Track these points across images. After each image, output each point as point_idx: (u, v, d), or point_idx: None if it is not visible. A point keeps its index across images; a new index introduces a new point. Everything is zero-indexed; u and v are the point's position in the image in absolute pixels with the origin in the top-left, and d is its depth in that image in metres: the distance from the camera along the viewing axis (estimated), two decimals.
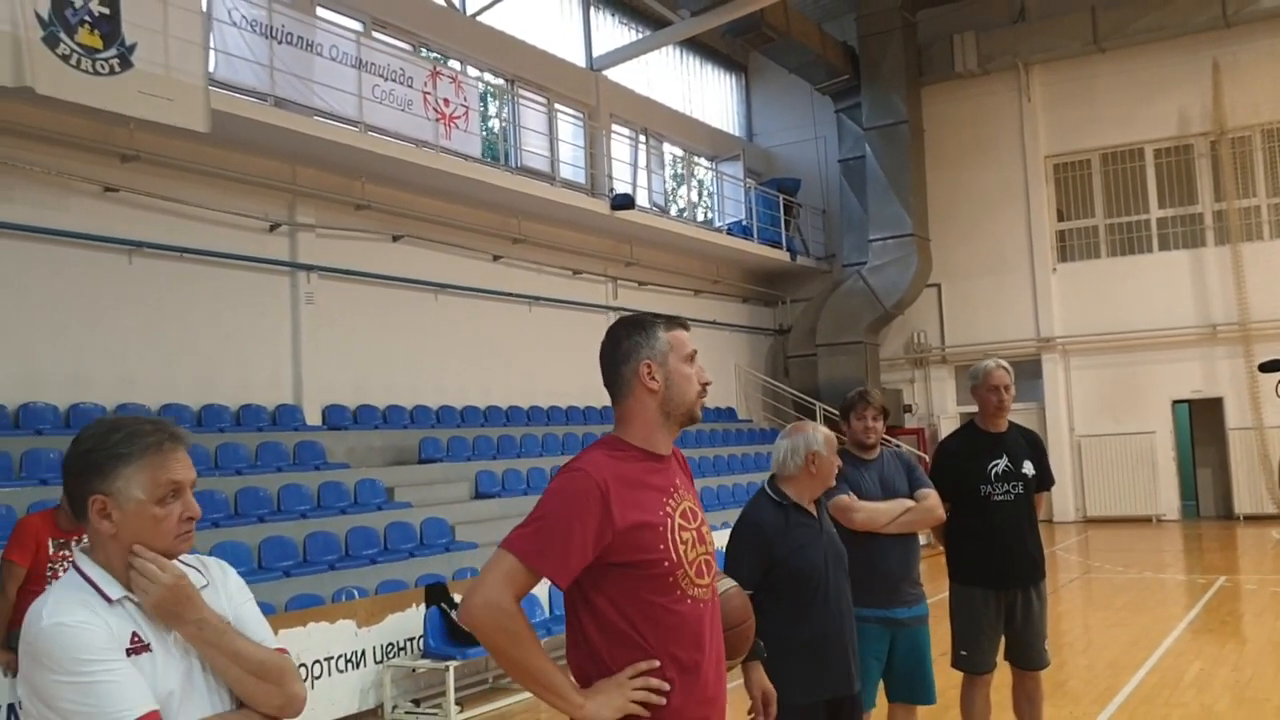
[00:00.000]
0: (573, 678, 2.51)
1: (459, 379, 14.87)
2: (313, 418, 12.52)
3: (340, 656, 7.76)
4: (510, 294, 15.87)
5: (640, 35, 20.13)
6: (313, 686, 7.42)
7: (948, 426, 21.16)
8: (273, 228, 12.49)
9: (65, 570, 2.21)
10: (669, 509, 2.52)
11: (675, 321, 2.66)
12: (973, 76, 21.51)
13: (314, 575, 9.18)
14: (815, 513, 4.04)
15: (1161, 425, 20.09)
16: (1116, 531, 18.72)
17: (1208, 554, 15.91)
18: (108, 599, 2.02)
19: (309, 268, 12.82)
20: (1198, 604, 11.23)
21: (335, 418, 12.78)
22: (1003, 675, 5.27)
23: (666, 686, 2.44)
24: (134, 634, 2.01)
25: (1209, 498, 20.49)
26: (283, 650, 2.21)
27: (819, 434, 4.08)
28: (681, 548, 2.49)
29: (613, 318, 17.71)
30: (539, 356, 16.20)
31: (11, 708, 5.73)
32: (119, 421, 2.09)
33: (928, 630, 4.80)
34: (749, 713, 3.41)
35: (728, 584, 2.93)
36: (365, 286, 13.59)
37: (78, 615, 1.96)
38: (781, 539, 3.88)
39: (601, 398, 16.56)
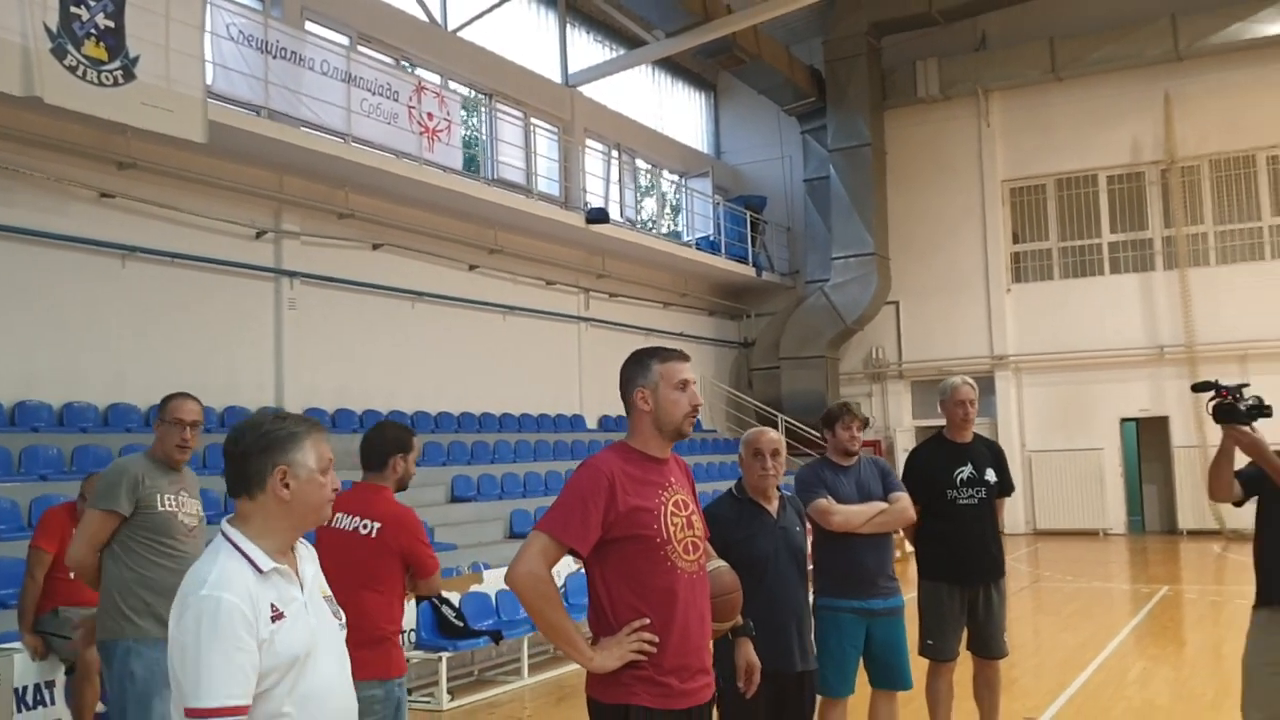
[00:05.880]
0: (590, 632, 3.17)
1: (435, 385, 15.23)
2: None
3: None
4: (485, 303, 16.26)
5: (615, 53, 20.62)
6: None
7: (903, 439, 21.84)
8: (259, 235, 12.83)
9: None
10: (663, 498, 3.17)
11: (673, 355, 3.28)
12: (934, 102, 22.22)
13: None
14: (775, 509, 4.53)
15: (1110, 442, 20.84)
16: (1065, 544, 19.39)
17: (1152, 565, 16.59)
18: (259, 570, 2.36)
19: (292, 274, 13.16)
20: (1142, 611, 11.84)
21: None
22: (964, 667, 5.79)
23: (656, 639, 3.05)
24: (273, 604, 2.34)
25: (1154, 513, 21.23)
26: None
27: (749, 434, 4.64)
28: (672, 528, 3.14)
29: (584, 328, 18.22)
30: (513, 365, 16.60)
31: (39, 687, 6.07)
32: (278, 412, 2.53)
33: (903, 622, 5.29)
34: (738, 681, 3.91)
35: (720, 563, 3.56)
36: (346, 293, 13.94)
37: (234, 591, 2.28)
38: (732, 527, 4.37)
39: (571, 407, 17.01)
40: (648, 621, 3.06)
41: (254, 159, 12.33)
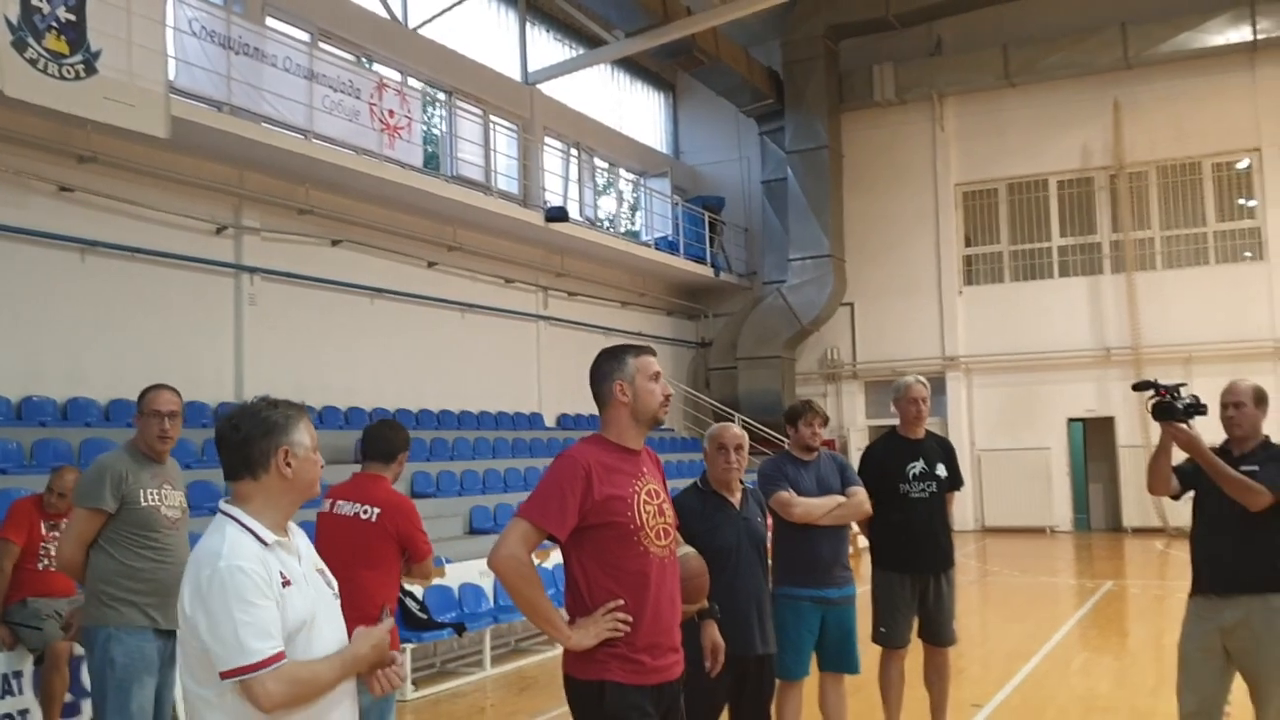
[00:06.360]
0: (566, 615, 3.34)
1: (394, 382, 15.28)
2: None
3: None
4: (444, 300, 16.32)
5: (575, 52, 20.74)
6: None
7: (857, 438, 22.16)
8: (219, 230, 12.82)
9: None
10: (636, 487, 3.35)
11: (644, 350, 3.51)
12: (890, 105, 22.56)
13: None
14: (737, 501, 4.76)
15: (1057, 442, 21.29)
16: (1012, 540, 19.78)
17: (1097, 561, 16.98)
18: (264, 543, 2.54)
19: (252, 270, 13.17)
20: (1086, 605, 12.16)
21: None
22: (915, 657, 6.00)
23: (630, 619, 3.24)
24: (281, 572, 2.53)
25: (1099, 511, 21.68)
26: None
27: (714, 430, 4.89)
28: (644, 515, 3.33)
29: (543, 326, 18.31)
30: (471, 362, 16.67)
31: (6, 678, 6.10)
32: (266, 399, 2.68)
33: (855, 610, 5.50)
34: (704, 661, 4.10)
35: (688, 549, 3.77)
36: (305, 289, 13.96)
37: (250, 561, 2.46)
38: (698, 518, 4.58)
39: (530, 405, 17.02)
40: (622, 602, 3.25)
41: (215, 154, 12.33)
